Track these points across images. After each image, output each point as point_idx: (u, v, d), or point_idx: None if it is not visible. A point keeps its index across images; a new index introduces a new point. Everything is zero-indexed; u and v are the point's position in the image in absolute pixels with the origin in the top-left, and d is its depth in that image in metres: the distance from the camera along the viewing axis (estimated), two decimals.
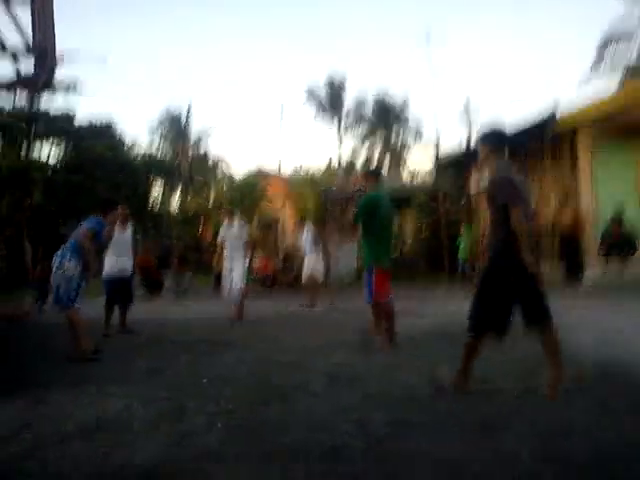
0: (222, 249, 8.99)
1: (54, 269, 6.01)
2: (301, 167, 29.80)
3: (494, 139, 4.24)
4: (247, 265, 9.26)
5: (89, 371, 5.24)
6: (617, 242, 10.87)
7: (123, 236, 7.80)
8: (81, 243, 6.04)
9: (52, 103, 27.68)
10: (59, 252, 6.08)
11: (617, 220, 11.01)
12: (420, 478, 2.69)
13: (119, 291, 7.75)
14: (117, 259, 7.71)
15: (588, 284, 10.75)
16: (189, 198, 31.62)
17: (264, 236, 21.77)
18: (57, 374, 5.09)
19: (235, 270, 8.76)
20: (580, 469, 2.68)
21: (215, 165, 42.86)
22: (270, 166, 26.66)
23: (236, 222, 9.10)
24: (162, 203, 34.34)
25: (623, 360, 4.82)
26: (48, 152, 28.72)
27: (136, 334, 7.50)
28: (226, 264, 8.89)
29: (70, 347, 5.84)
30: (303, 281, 11.07)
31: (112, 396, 4.24)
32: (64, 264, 5.95)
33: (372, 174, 6.44)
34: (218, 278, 10.64)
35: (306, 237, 11.23)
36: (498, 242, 3.90)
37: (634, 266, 10.70)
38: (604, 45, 23.42)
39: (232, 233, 8.93)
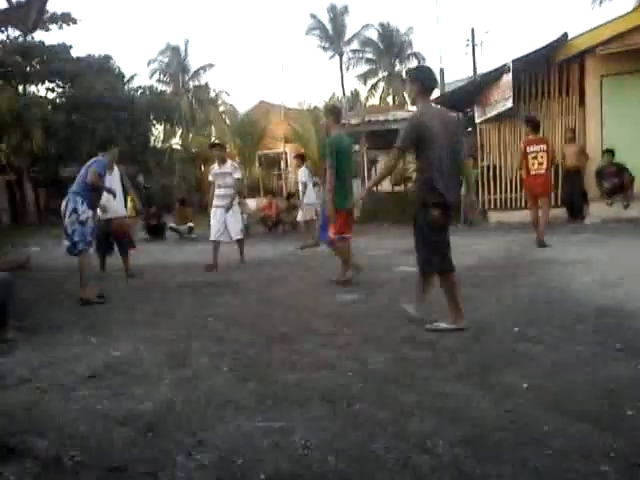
0: (212, 193, 8.33)
1: (67, 215, 5.93)
2: (304, 101, 29.27)
3: (421, 76, 4.35)
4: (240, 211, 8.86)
5: (97, 315, 5.35)
6: (613, 175, 10.74)
7: (110, 179, 7.38)
8: (95, 184, 5.98)
9: (46, 36, 27.00)
10: (69, 197, 6.00)
11: (611, 152, 10.83)
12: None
13: (111, 235, 7.79)
14: (108, 200, 7.32)
15: (591, 221, 10.70)
16: (191, 135, 31.19)
17: (267, 174, 21.62)
18: (66, 319, 5.19)
19: (228, 221, 8.18)
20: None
21: (216, 98, 42.06)
22: (273, 100, 26.07)
23: (228, 163, 8.46)
24: (164, 141, 34.01)
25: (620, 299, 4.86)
26: (47, 87, 28.21)
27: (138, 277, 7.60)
28: (214, 210, 8.23)
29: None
30: (298, 219, 11.34)
31: (119, 340, 4.34)
32: (78, 209, 5.91)
33: (332, 112, 6.41)
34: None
35: (302, 175, 11.23)
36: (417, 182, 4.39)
37: (636, 200, 10.61)
38: None
39: (223, 175, 8.24)
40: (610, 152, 10.83)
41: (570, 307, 4.62)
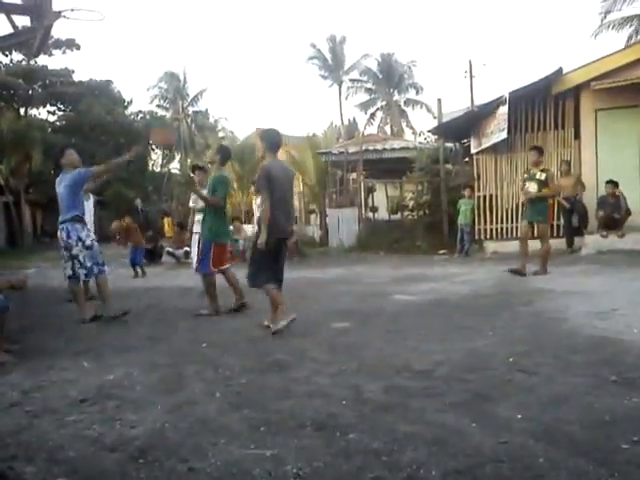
0: (192, 222, 8.10)
1: (74, 245, 5.96)
2: (303, 128, 29.55)
3: (269, 138, 5.52)
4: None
5: (91, 339, 5.32)
6: (614, 206, 10.80)
7: (86, 205, 7.48)
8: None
9: (50, 60, 27.34)
10: (66, 227, 5.99)
11: (614, 183, 10.90)
12: None
13: None
14: None
15: (587, 252, 10.73)
16: (189, 160, 31.42)
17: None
18: (60, 343, 5.16)
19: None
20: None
21: (216, 123, 42.46)
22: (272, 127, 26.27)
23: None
24: (162, 165, 34.22)
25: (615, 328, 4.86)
26: (48, 110, 28.47)
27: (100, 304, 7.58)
28: (194, 238, 7.91)
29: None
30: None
31: (113, 364, 4.31)
32: (81, 237, 5.97)
33: (219, 155, 6.70)
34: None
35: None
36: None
37: (630, 231, 10.66)
38: None
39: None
40: (613, 183, 10.89)
41: (565, 338, 4.62)
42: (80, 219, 6.04)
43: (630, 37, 22.79)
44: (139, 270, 11.52)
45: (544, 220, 8.68)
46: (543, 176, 8.50)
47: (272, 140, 5.54)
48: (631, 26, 22.96)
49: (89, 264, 5.96)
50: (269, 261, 5.35)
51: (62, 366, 4.32)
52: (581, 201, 11.49)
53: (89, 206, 7.67)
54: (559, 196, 10.41)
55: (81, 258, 5.97)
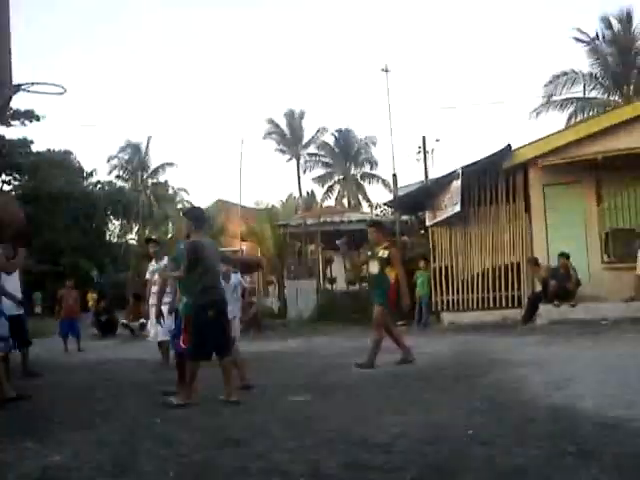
0: (149, 293, 7.86)
1: None
2: (261, 200, 29.86)
3: (193, 216, 5.87)
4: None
5: (35, 417, 5.08)
6: (565, 277, 11.11)
7: (9, 276, 7.18)
8: None
9: (8, 131, 27.19)
10: None
11: (565, 255, 11.26)
12: None
13: (13, 332, 7.19)
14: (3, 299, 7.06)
15: (541, 322, 10.94)
16: (147, 231, 31.21)
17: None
18: (2, 421, 4.90)
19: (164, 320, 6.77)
20: None
21: (175, 195, 42.53)
22: (230, 199, 26.54)
23: (165, 259, 7.68)
24: (120, 236, 33.83)
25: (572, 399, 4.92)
26: (2, 180, 28.09)
27: (39, 376, 7.35)
28: (152, 309, 7.54)
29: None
30: None
31: (61, 443, 4.11)
32: None
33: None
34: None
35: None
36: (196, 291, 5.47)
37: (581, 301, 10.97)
38: (551, 82, 24.55)
39: (159, 272, 7.47)
40: (564, 255, 11.25)
41: (522, 408, 4.63)
42: None
43: (570, 117, 24.32)
44: (77, 343, 10.90)
45: (382, 303, 7.48)
46: (386, 254, 7.58)
47: (197, 218, 5.85)
48: (571, 106, 24.56)
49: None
50: (212, 333, 5.39)
51: (5, 447, 4.07)
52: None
53: (13, 276, 7.34)
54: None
55: None
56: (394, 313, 8.02)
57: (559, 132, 12.88)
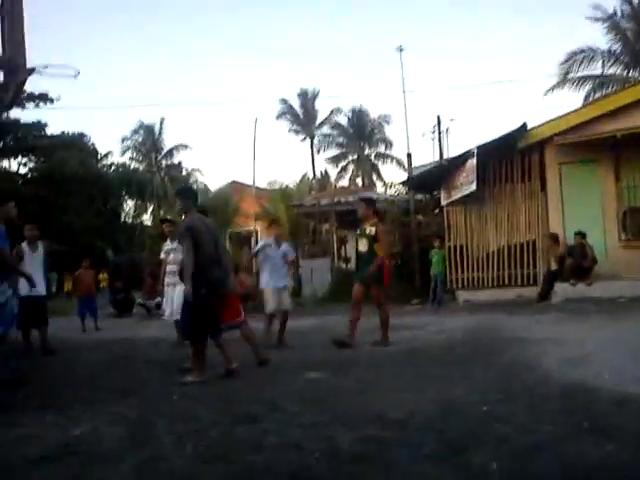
0: (164, 273, 7.87)
1: None
2: (275, 181, 29.79)
3: (188, 195, 5.91)
4: None
5: (59, 392, 5.16)
6: (581, 255, 11.01)
7: (34, 256, 7.65)
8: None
9: (22, 114, 27.32)
10: None
11: (581, 234, 11.16)
12: None
13: (32, 313, 7.52)
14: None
15: (556, 300, 10.88)
16: (162, 212, 31.33)
17: (237, 251, 21.64)
18: (20, 397, 5.00)
19: (176, 299, 7.28)
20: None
21: (189, 176, 42.61)
22: (244, 180, 26.53)
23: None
24: (135, 217, 34.02)
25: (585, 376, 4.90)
26: (18, 162, 28.29)
27: (56, 354, 7.47)
28: (166, 289, 7.78)
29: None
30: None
31: (80, 418, 4.18)
32: None
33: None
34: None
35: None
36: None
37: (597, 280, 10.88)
38: (567, 60, 24.05)
39: (175, 251, 7.56)
40: (581, 234, 11.16)
41: (538, 386, 4.62)
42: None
43: (588, 94, 23.88)
44: (95, 322, 11.10)
45: (378, 284, 7.37)
46: (373, 230, 7.39)
47: (194, 197, 5.98)
48: (589, 84, 24.11)
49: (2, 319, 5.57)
50: (207, 312, 5.43)
51: (21, 421, 4.16)
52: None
53: (37, 257, 7.68)
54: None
55: None
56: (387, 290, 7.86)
57: (576, 110, 12.69)
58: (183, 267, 5.47)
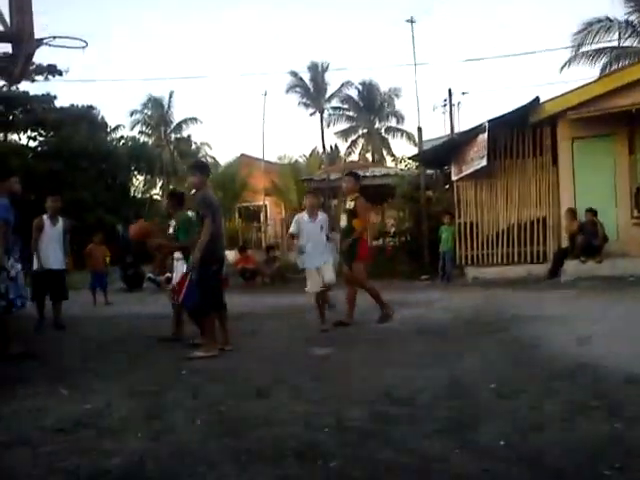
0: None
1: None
2: (285, 155, 29.65)
3: (203, 170, 5.94)
4: None
5: (69, 366, 5.23)
6: (592, 233, 10.93)
7: (54, 229, 7.66)
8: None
9: (31, 87, 27.21)
10: None
11: (592, 211, 11.07)
12: None
13: (49, 285, 7.61)
14: (46, 253, 7.53)
15: (566, 278, 10.83)
16: (171, 187, 31.35)
17: (246, 226, 21.68)
18: (34, 370, 5.07)
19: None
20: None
21: (198, 150, 42.50)
22: (254, 154, 26.44)
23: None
24: (144, 192, 34.05)
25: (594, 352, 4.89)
26: (28, 136, 28.27)
27: (67, 330, 7.49)
28: (175, 264, 7.45)
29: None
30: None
31: (92, 391, 4.24)
32: (7, 267, 5.58)
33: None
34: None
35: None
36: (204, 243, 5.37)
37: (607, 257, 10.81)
38: (581, 31, 23.45)
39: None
40: (592, 211, 11.06)
41: (546, 363, 4.63)
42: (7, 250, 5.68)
43: (604, 67, 23.35)
44: (105, 297, 11.19)
45: (347, 261, 7.09)
46: (352, 205, 7.08)
47: (208, 171, 6.12)
48: (604, 57, 23.56)
49: (12, 296, 5.59)
50: (215, 288, 5.58)
51: (37, 393, 4.23)
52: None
53: (56, 231, 7.69)
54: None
55: (2, 289, 5.55)
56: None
57: (590, 83, 12.45)
58: (198, 238, 5.43)
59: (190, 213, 6.37)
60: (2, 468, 2.89)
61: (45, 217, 7.67)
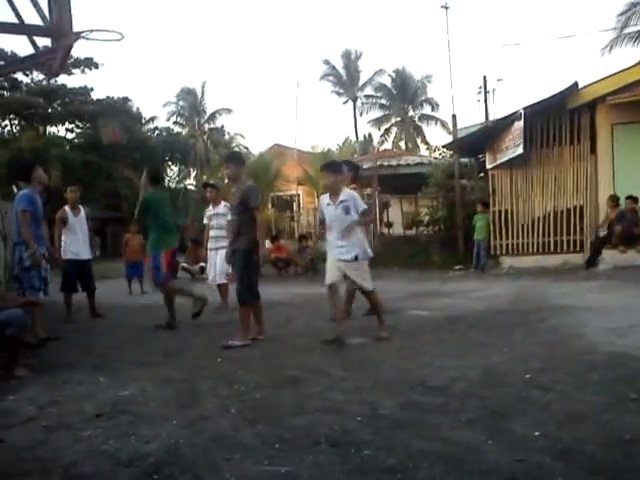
0: (207, 238, 8.26)
1: (16, 265, 5.86)
2: (318, 144, 29.63)
3: (239, 161, 5.92)
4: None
5: (106, 354, 5.35)
6: (632, 221, 10.66)
7: (77, 219, 7.73)
8: (21, 231, 5.78)
9: (69, 80, 27.74)
10: (15, 248, 5.90)
11: (633, 198, 10.79)
12: None
13: (78, 276, 7.70)
14: (74, 243, 7.64)
15: (604, 267, 10.60)
16: (205, 177, 31.64)
17: (279, 216, 21.74)
18: (75, 358, 5.21)
19: (218, 263, 7.99)
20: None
21: (231, 140, 42.77)
22: (286, 143, 26.45)
23: (222, 204, 8.06)
24: (178, 182, 34.47)
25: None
26: (66, 128, 28.89)
27: (104, 319, 7.67)
28: (209, 253, 8.24)
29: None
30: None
31: (129, 379, 4.34)
32: (22, 257, 5.74)
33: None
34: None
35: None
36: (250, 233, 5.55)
37: None
38: (625, 12, 22.66)
39: (217, 216, 8.07)
40: (633, 198, 10.80)
41: (582, 354, 4.56)
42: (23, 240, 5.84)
43: None
44: (140, 287, 11.28)
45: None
46: None
47: (243, 162, 6.07)
48: None
49: (25, 285, 5.76)
50: (254, 277, 5.77)
51: (78, 380, 4.36)
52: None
53: (79, 220, 7.77)
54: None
55: (21, 277, 5.79)
56: None
57: (631, 67, 12.07)
58: (238, 226, 5.62)
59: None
60: (47, 450, 2.98)
61: (67, 208, 7.74)
